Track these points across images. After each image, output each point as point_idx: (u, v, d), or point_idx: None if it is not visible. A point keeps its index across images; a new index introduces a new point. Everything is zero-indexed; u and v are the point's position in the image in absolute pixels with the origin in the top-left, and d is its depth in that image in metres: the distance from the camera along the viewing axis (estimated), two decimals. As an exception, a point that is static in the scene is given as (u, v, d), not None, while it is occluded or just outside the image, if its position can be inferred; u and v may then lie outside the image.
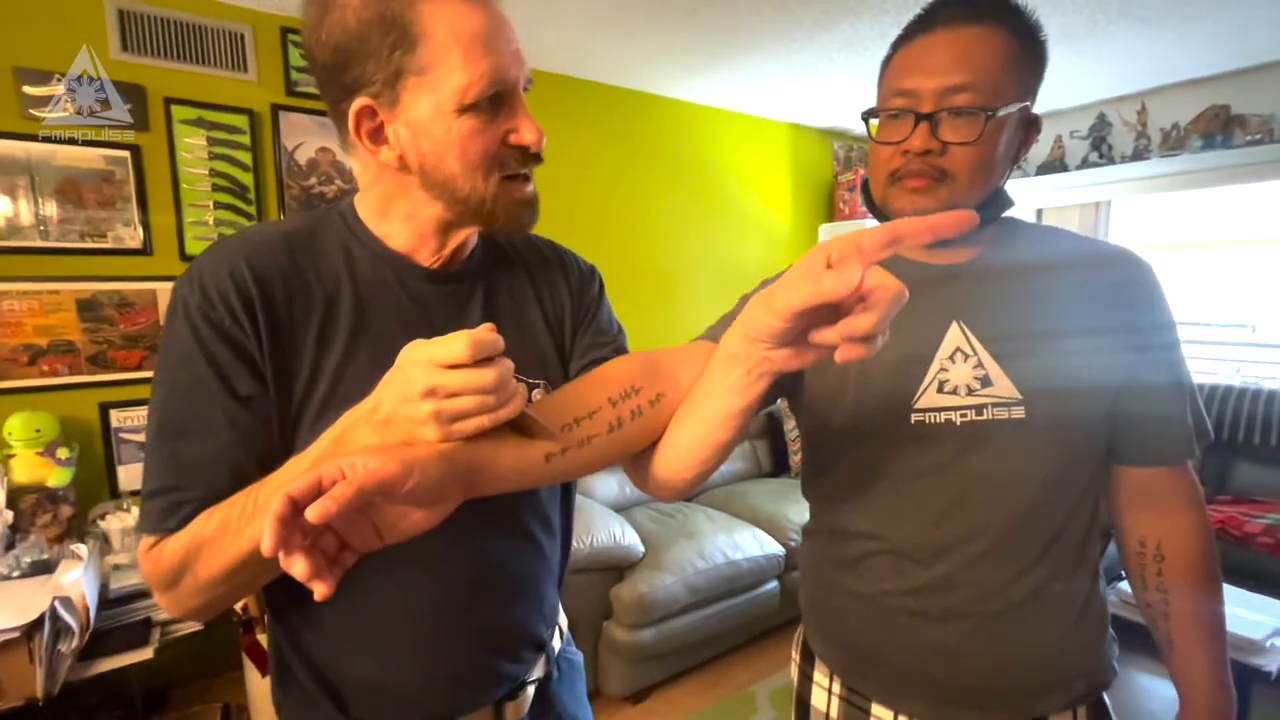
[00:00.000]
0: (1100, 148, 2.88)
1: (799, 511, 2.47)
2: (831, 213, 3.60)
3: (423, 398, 0.46)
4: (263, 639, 1.69)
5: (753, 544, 2.25)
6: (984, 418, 0.65)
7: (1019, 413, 0.65)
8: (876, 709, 0.74)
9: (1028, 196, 3.16)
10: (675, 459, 0.61)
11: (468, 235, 0.65)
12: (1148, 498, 0.73)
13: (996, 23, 0.62)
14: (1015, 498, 0.66)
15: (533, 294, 0.72)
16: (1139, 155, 2.77)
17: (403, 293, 0.63)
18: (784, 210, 3.45)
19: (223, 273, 0.55)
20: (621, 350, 0.74)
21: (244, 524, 0.51)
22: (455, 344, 0.45)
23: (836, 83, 2.72)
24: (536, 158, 0.60)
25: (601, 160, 2.77)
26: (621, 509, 2.42)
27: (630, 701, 2.07)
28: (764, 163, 3.31)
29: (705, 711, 2.04)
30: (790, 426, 3.04)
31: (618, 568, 2.03)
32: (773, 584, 2.32)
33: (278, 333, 0.57)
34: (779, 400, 0.79)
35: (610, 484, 2.57)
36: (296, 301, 0.58)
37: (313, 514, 0.39)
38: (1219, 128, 2.57)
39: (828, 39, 2.25)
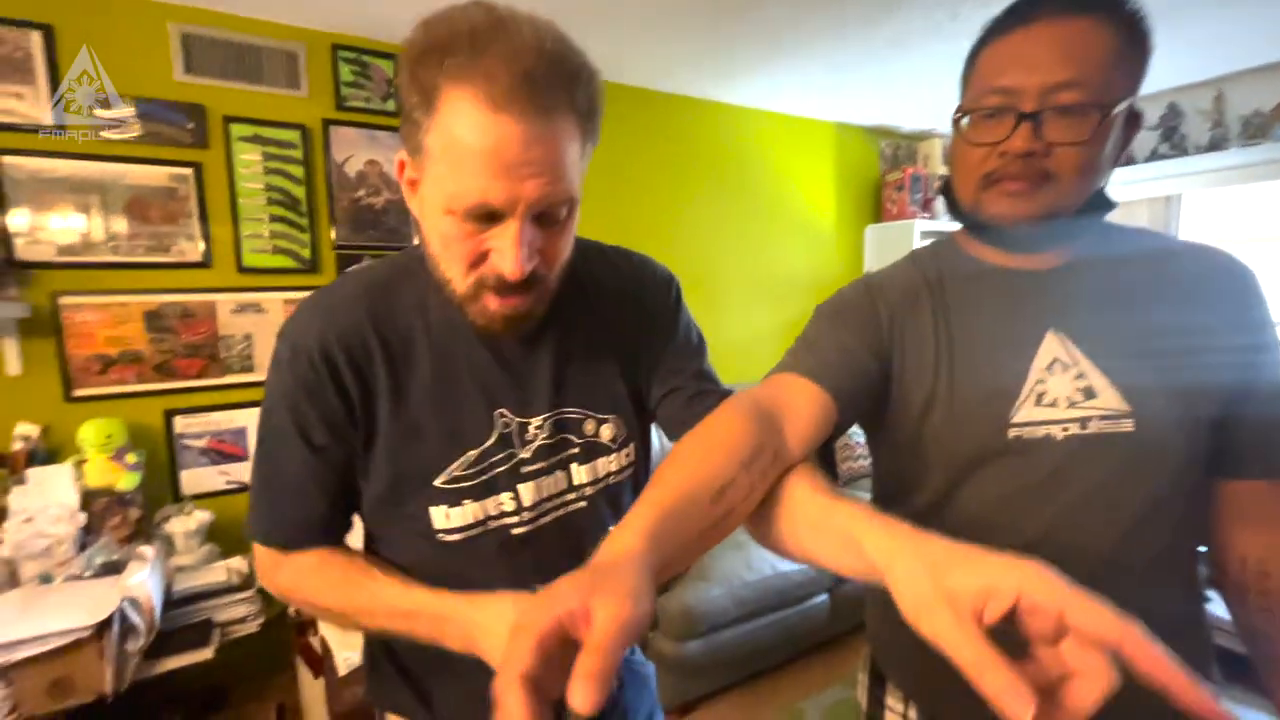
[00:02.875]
0: (1172, 138, 2.71)
1: (848, 522, 2.39)
2: (879, 213, 3.50)
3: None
4: (315, 641, 1.73)
5: (801, 555, 2.19)
6: (1089, 431, 0.61)
7: (1127, 425, 0.60)
8: None
9: (1090, 192, 2.99)
10: (784, 549, 0.56)
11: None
12: (1251, 513, 0.67)
13: (1104, 14, 0.57)
14: (1121, 518, 0.62)
15: (607, 333, 0.71)
16: (1215, 145, 2.59)
17: (475, 338, 0.65)
18: (829, 212, 3.36)
19: (311, 331, 0.61)
20: (705, 373, 0.74)
21: (360, 620, 0.64)
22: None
23: (884, 80, 2.64)
24: (511, 288, 0.56)
25: (642, 165, 2.76)
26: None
27: (677, 714, 2.03)
28: (807, 164, 3.25)
29: (753, 727, 1.99)
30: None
31: (662, 577, 2.00)
32: (823, 597, 2.25)
33: (363, 384, 0.62)
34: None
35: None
36: (376, 355, 0.62)
37: (584, 700, 0.29)
38: (1306, 113, 2.38)
39: (875, 35, 2.19)
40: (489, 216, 0.53)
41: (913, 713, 0.74)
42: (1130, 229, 0.70)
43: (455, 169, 0.51)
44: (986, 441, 0.64)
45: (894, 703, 0.77)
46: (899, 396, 0.70)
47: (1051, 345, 0.64)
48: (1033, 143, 0.58)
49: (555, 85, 0.51)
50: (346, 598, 0.63)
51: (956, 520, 0.67)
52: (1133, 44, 0.58)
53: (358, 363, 0.61)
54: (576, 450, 0.68)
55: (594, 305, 0.70)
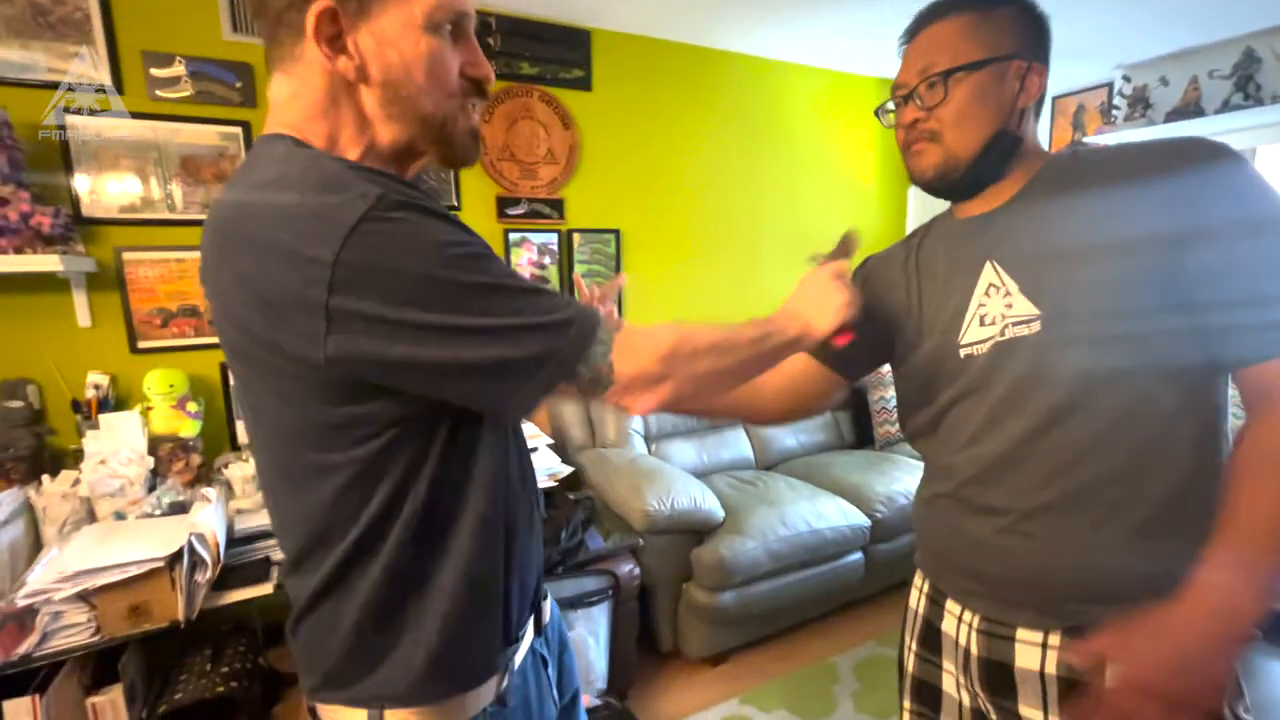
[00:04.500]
0: (1246, 87, 2.54)
1: (885, 483, 2.38)
2: (923, 173, 3.39)
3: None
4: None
5: (837, 514, 2.20)
6: (1006, 338, 0.72)
7: (1035, 327, 0.70)
8: (949, 604, 0.84)
9: (1153, 147, 2.84)
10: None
11: (423, 165, 0.66)
12: (1266, 402, 0.64)
13: (953, 13, 0.74)
14: (1041, 405, 0.70)
15: None
16: (1295, 94, 2.42)
17: None
18: (870, 171, 3.27)
19: (371, 190, 0.51)
20: None
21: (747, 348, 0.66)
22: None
23: (934, 29, 2.52)
24: (486, 94, 0.65)
25: (685, 122, 2.72)
26: (700, 475, 2.41)
27: (709, 664, 2.09)
28: (850, 121, 3.15)
29: (786, 678, 2.03)
30: (875, 398, 2.92)
31: (698, 531, 2.03)
32: (857, 555, 2.25)
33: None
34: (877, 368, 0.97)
35: (688, 451, 2.57)
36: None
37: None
38: (1401, 56, 2.20)
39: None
40: (458, 31, 0.60)
41: (925, 586, 0.90)
42: (1099, 150, 0.75)
43: None
44: (948, 365, 0.79)
45: (918, 581, 0.92)
46: (892, 341, 0.89)
47: (989, 273, 0.75)
48: (916, 113, 0.76)
49: None
50: (717, 332, 0.64)
51: (932, 426, 0.83)
52: (986, 19, 0.73)
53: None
54: None
55: None
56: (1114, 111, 2.89)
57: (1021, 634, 0.74)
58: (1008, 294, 0.73)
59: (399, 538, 0.59)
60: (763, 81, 2.88)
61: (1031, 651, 0.73)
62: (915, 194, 3.34)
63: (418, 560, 0.61)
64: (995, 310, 0.74)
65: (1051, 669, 0.72)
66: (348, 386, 0.54)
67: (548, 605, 0.80)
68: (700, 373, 0.61)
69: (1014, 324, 0.71)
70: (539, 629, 0.77)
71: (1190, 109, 2.68)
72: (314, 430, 0.57)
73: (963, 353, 0.76)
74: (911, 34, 0.79)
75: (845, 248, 0.86)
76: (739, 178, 2.90)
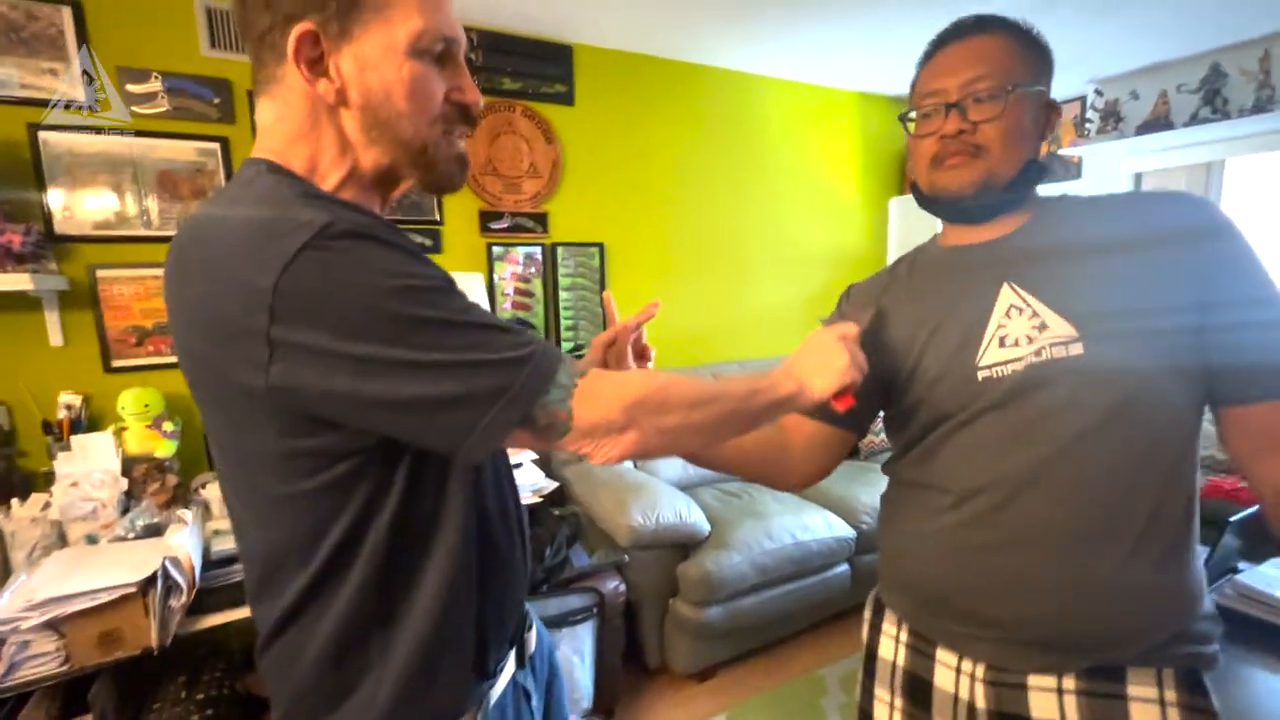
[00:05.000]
0: (1213, 101, 2.60)
1: (870, 494, 2.39)
2: (903, 184, 3.43)
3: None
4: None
5: (822, 526, 2.20)
6: (1043, 358, 0.69)
7: (1077, 349, 0.68)
8: (941, 654, 0.78)
9: (1126, 159, 2.90)
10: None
11: (404, 190, 0.66)
12: (1271, 439, 0.67)
13: (998, 29, 0.73)
14: (1074, 427, 0.67)
15: None
16: (1260, 108, 2.49)
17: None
18: (851, 183, 3.31)
19: (319, 219, 0.50)
20: None
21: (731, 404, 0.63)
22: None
23: (911, 45, 2.55)
24: (474, 121, 0.64)
25: (663, 137, 2.73)
26: (686, 488, 2.40)
27: (696, 679, 2.07)
28: (830, 135, 3.19)
29: (774, 692, 2.02)
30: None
31: (683, 545, 2.02)
32: (843, 567, 2.25)
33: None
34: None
35: (674, 463, 2.56)
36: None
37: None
38: (1360, 72, 2.27)
39: (903, -4, 2.13)
40: (446, 56, 0.59)
41: (903, 634, 0.83)
42: (1086, 197, 0.77)
43: (420, 8, 0.57)
44: (962, 388, 0.74)
45: (889, 627, 0.86)
46: (890, 372, 0.83)
47: (1007, 295, 0.73)
48: (961, 123, 0.72)
49: None
50: (701, 384, 0.61)
51: (942, 450, 0.77)
52: (1028, 46, 0.73)
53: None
54: None
55: None
56: (1087, 125, 2.95)
57: (1034, 680, 0.70)
58: (1035, 314, 0.70)
59: (361, 572, 0.57)
60: (745, 96, 2.91)
61: (1047, 699, 0.69)
62: (896, 208, 3.38)
63: (382, 594, 0.59)
64: (1020, 331, 0.71)
65: (1074, 716, 0.68)
66: (296, 417, 0.52)
67: (532, 636, 0.78)
68: (671, 426, 0.58)
69: (1052, 345, 0.69)
70: (521, 660, 0.74)
71: (1160, 122, 2.75)
72: (266, 459, 0.55)
73: (981, 375, 0.72)
74: (943, 42, 0.75)
75: (856, 311, 0.83)
76: (722, 191, 2.92)
